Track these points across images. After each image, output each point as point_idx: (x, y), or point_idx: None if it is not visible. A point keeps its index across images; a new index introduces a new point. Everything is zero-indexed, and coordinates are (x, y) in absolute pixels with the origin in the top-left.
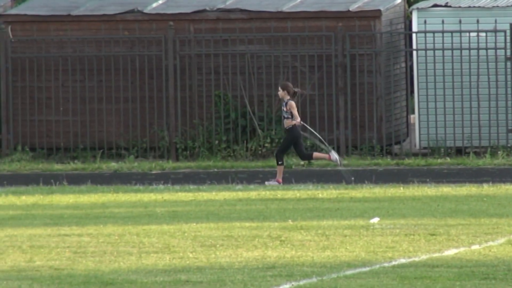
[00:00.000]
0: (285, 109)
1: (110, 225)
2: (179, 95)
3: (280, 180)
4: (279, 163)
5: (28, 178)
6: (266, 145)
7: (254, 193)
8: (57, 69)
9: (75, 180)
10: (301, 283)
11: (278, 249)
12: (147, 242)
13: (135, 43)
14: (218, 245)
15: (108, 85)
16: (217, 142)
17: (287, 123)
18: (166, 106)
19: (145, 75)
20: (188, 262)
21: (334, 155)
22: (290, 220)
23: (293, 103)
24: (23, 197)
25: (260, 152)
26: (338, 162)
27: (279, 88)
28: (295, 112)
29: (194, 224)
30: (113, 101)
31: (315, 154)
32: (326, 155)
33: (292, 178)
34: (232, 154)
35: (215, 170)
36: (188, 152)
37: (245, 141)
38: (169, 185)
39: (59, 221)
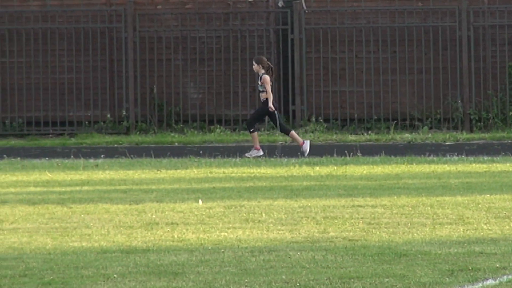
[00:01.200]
0: (259, 82)
1: (404, 196)
2: (473, 66)
3: (258, 146)
4: (251, 130)
5: (322, 148)
6: None
7: None
8: (351, 40)
9: (369, 151)
10: None
11: None
12: (441, 213)
13: (428, 14)
14: None
15: (401, 56)
16: (511, 113)
17: (263, 96)
18: (459, 77)
19: (438, 46)
20: (482, 233)
21: (307, 145)
22: None
23: (267, 78)
24: (317, 168)
25: None
26: (305, 154)
27: (253, 62)
28: (268, 87)
29: (488, 195)
30: (407, 72)
31: (292, 132)
32: (300, 141)
33: None
34: None
35: (509, 141)
36: (482, 123)
37: None
38: (463, 156)
39: (353, 192)
